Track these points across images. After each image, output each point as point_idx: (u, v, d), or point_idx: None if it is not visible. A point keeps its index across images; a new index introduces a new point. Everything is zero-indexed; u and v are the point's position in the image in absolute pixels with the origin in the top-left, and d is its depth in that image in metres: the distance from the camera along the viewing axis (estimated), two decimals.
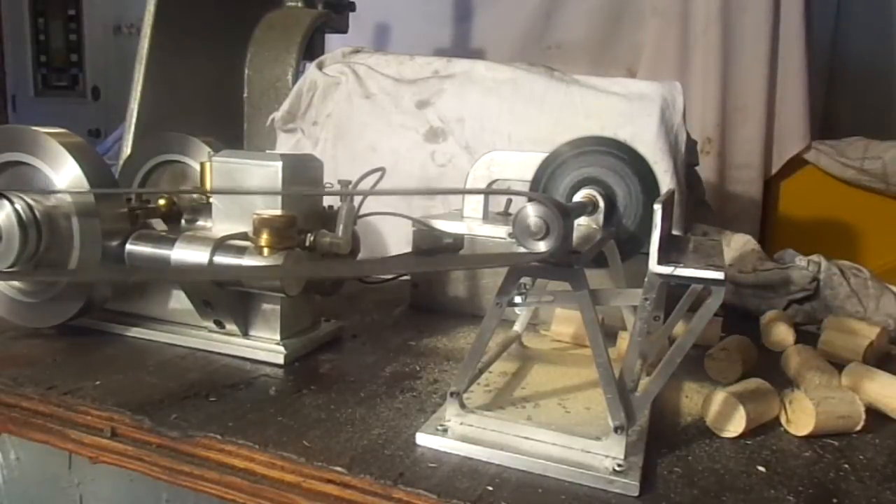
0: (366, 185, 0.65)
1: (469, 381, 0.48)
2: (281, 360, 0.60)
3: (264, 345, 0.61)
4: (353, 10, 1.37)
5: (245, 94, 1.23)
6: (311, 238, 0.62)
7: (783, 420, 0.52)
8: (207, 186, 0.64)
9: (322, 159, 0.68)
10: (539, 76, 0.97)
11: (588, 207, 0.53)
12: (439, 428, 0.47)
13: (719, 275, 0.41)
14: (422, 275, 0.82)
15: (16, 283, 0.64)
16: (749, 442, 0.50)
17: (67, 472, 0.54)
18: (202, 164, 0.66)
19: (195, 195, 0.70)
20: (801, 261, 0.84)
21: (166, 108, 1.08)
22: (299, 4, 1.27)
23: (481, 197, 0.69)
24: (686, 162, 0.95)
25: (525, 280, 0.47)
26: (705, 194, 1.16)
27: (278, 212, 0.59)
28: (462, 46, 1.76)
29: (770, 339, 0.73)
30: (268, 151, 0.68)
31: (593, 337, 0.44)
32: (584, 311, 0.44)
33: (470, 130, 0.97)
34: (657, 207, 0.42)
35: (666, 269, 0.42)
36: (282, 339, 0.62)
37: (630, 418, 0.44)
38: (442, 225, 0.68)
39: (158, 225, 0.69)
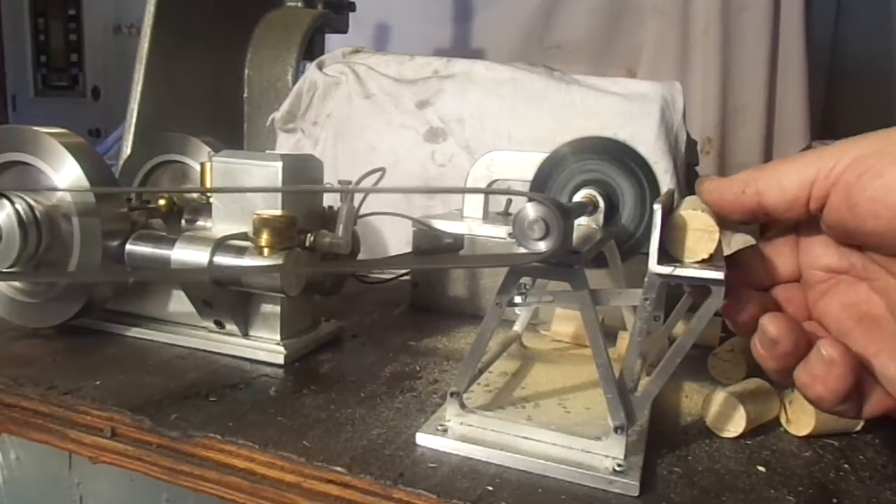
0: (366, 185, 0.65)
1: (469, 381, 0.48)
2: (281, 360, 0.60)
3: (264, 345, 0.61)
4: (353, 10, 1.37)
5: (245, 94, 1.23)
6: (311, 238, 0.62)
7: (783, 420, 0.52)
8: (207, 186, 0.64)
9: (322, 159, 0.68)
10: (539, 76, 0.97)
11: (588, 207, 0.53)
12: (439, 428, 0.47)
13: (719, 275, 0.41)
14: (422, 275, 0.82)
15: (15, 283, 0.64)
16: (749, 442, 0.50)
17: (67, 472, 0.54)
18: (202, 164, 0.66)
19: (195, 195, 0.70)
20: None
21: (166, 108, 1.08)
22: (299, 4, 1.27)
23: (481, 197, 0.69)
24: (686, 162, 0.95)
25: (525, 280, 0.47)
26: None
27: (278, 212, 0.59)
28: (462, 46, 1.76)
29: None
30: (268, 151, 0.68)
31: (593, 337, 0.44)
32: (584, 311, 0.44)
33: (470, 130, 0.97)
34: (657, 207, 0.42)
35: (666, 269, 0.42)
36: (282, 339, 0.62)
37: (630, 418, 0.44)
38: (442, 225, 0.68)
39: (158, 225, 0.69)
